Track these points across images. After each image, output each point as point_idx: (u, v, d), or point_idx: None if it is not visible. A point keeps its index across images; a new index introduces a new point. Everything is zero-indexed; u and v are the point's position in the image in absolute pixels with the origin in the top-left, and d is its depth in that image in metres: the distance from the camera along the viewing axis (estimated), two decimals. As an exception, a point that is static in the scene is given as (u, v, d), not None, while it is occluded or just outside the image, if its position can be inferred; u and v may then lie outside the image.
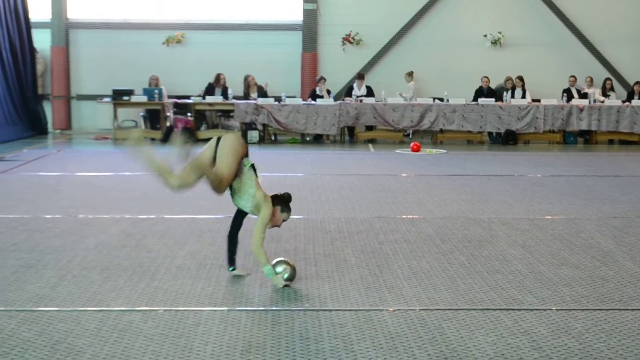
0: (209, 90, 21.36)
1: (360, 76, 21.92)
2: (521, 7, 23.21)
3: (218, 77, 21.48)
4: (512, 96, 21.32)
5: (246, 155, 7.31)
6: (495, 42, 23.12)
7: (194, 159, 6.96)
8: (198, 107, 20.76)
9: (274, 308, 6.51)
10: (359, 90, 21.50)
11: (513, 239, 9.15)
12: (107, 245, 8.68)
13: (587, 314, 6.41)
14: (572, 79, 22.08)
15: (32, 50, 22.31)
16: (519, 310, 6.49)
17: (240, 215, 7.49)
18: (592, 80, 22.29)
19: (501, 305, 6.62)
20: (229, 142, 7.18)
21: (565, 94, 21.44)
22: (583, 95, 21.60)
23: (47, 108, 22.98)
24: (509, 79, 21.91)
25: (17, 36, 21.26)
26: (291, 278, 7.14)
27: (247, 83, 21.54)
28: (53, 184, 13.15)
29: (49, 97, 23.28)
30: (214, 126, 21.45)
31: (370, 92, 21.58)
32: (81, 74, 23.43)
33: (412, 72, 22.40)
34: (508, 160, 17.35)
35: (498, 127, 20.62)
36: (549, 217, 10.53)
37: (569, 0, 23.05)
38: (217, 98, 20.78)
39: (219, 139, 7.20)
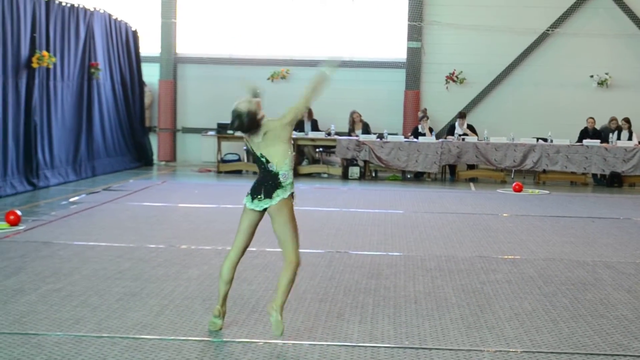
0: (298, 124, 21.52)
1: (462, 115, 21.81)
2: (629, 48, 22.78)
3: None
4: (618, 138, 20.90)
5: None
6: (601, 83, 22.73)
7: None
8: (300, 142, 20.94)
9: (373, 345, 6.50)
10: (460, 129, 21.39)
11: (618, 283, 8.99)
12: (209, 276, 8.80)
13: (698, 363, 6.24)
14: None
15: (141, 84, 22.92)
16: (625, 356, 6.38)
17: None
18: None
19: (606, 350, 6.51)
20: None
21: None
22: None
23: (153, 140, 23.53)
24: (613, 119, 21.53)
25: (127, 70, 21.92)
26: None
27: (352, 119, 21.66)
28: (157, 215, 13.42)
29: (155, 129, 23.84)
30: (315, 161, 21.62)
31: (472, 131, 21.46)
32: (187, 107, 23.93)
33: (425, 109, 22.36)
34: (613, 202, 17.02)
35: (603, 169, 20.22)
36: (657, 261, 10.32)
37: (679, 42, 22.62)
38: (318, 134, 20.93)
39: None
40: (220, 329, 6.82)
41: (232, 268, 6.83)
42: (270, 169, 6.63)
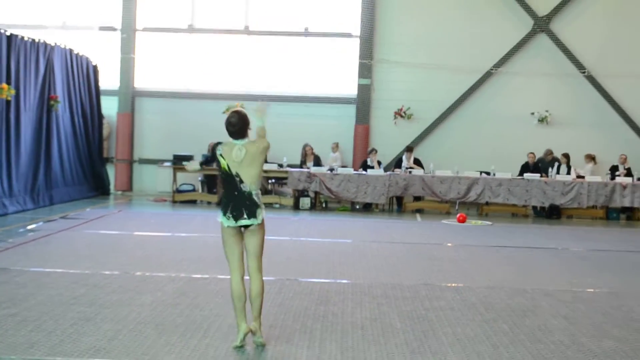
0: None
1: (409, 149, 22.22)
2: (568, 87, 23.41)
3: None
4: (558, 172, 21.44)
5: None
6: (542, 120, 23.30)
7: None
8: (253, 174, 21.11)
9: None
10: (408, 162, 21.79)
11: (556, 310, 9.21)
12: (162, 302, 8.90)
13: (628, 386, 6.43)
14: (622, 157, 22.18)
15: (100, 116, 23.05)
16: (561, 379, 6.55)
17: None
18: (626, 159, 22.25)
19: (543, 374, 6.69)
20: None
21: (609, 172, 21.59)
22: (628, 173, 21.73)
23: (110, 170, 23.62)
24: (549, 152, 22.20)
25: (88, 102, 22.07)
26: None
27: (305, 152, 21.97)
28: (113, 242, 13.47)
29: (113, 160, 23.94)
30: (267, 192, 21.82)
31: (419, 164, 21.88)
32: (144, 139, 24.10)
33: (337, 143, 22.91)
34: (552, 233, 17.38)
35: (542, 202, 20.73)
36: (592, 290, 10.59)
37: (615, 82, 23.19)
38: (271, 165, 21.14)
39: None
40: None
41: (244, 287, 7.26)
42: (244, 189, 7.12)
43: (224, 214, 7.18)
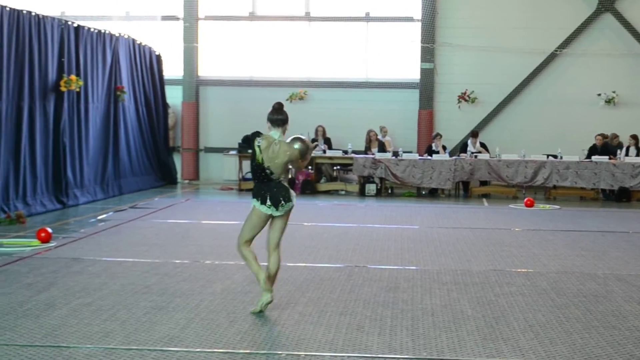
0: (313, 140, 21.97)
1: (474, 134, 22.07)
2: (635, 67, 22.99)
3: (317, 130, 21.98)
4: (627, 154, 21.09)
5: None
6: (609, 101, 22.94)
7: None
8: (318, 161, 21.24)
9: (392, 356, 6.66)
10: (473, 147, 21.64)
11: (629, 295, 9.10)
12: (232, 290, 9.00)
13: None
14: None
15: (165, 105, 23.31)
16: (637, 366, 6.49)
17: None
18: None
19: (619, 361, 6.64)
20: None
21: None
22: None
23: (177, 159, 23.89)
24: (615, 136, 21.84)
25: (152, 92, 22.34)
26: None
27: (369, 137, 21.93)
28: (182, 231, 13.64)
29: (179, 149, 24.21)
30: (333, 179, 21.87)
31: (485, 148, 21.71)
32: (209, 127, 24.30)
33: (385, 127, 22.71)
34: (622, 217, 17.16)
35: (611, 184, 20.42)
36: (666, 274, 10.43)
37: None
38: (335, 152, 21.20)
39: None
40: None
41: (252, 251, 8.03)
42: (273, 178, 7.82)
43: (263, 203, 7.90)
